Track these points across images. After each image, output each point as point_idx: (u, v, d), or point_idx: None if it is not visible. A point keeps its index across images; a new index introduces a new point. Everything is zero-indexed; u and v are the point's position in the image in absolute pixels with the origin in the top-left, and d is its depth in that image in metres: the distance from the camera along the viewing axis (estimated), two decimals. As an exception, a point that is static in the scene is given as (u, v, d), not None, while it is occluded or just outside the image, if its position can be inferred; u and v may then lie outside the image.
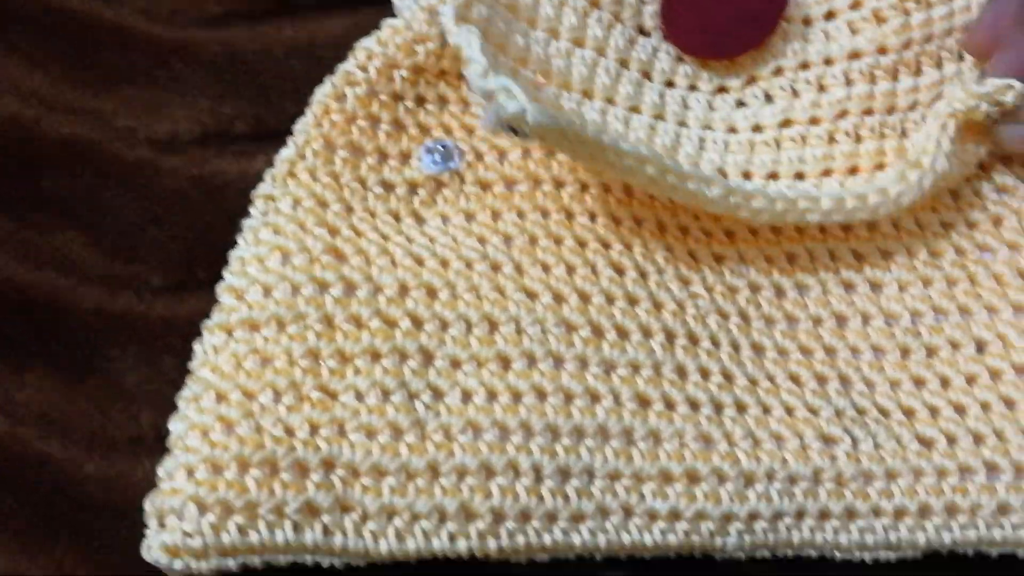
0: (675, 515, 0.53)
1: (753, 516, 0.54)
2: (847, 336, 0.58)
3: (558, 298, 0.56)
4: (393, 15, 0.60)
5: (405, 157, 0.59)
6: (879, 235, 0.60)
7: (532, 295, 0.56)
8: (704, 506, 0.53)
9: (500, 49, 0.56)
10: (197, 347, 0.54)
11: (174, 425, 0.52)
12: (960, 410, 0.56)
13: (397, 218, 0.58)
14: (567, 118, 0.54)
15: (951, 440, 0.55)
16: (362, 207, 0.58)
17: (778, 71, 0.61)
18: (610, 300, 0.56)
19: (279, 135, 0.59)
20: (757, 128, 0.61)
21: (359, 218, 0.57)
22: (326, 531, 0.51)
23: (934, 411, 0.56)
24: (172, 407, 0.53)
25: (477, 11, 0.55)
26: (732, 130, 0.61)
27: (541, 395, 0.54)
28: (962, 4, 0.60)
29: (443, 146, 0.59)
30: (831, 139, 0.60)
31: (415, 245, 0.57)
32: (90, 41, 0.67)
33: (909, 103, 0.60)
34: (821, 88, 0.61)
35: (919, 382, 0.57)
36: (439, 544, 0.52)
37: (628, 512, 0.53)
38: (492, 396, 0.54)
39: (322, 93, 0.59)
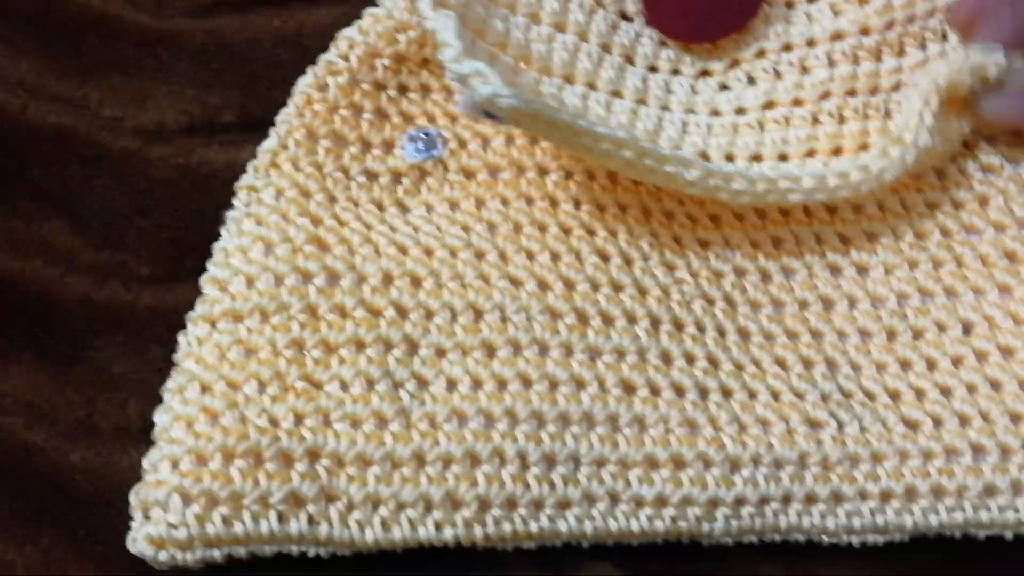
0: (661, 501, 0.53)
1: (740, 501, 0.54)
2: (834, 320, 0.58)
3: (543, 285, 0.56)
4: (375, 4, 0.60)
5: (388, 146, 0.59)
6: (865, 217, 0.60)
7: (517, 283, 0.56)
8: (690, 491, 0.53)
9: (478, 34, 0.56)
10: (181, 338, 0.54)
11: (159, 417, 0.52)
12: (946, 392, 0.56)
13: (381, 207, 0.58)
14: (542, 102, 0.54)
15: (937, 422, 0.55)
16: (345, 197, 0.58)
17: (761, 53, 0.61)
18: (595, 287, 0.56)
19: (266, 125, 0.59)
20: (740, 111, 0.61)
21: (342, 208, 0.57)
22: (311, 521, 0.51)
23: (920, 393, 0.56)
24: (159, 397, 0.53)
25: None
26: (715, 113, 0.61)
27: (526, 382, 0.54)
28: None
29: (426, 134, 0.59)
30: (814, 120, 0.60)
31: (399, 234, 0.57)
32: (76, 30, 0.67)
33: (892, 84, 0.60)
34: (804, 70, 0.60)
35: (905, 364, 0.57)
36: (425, 533, 0.52)
37: (614, 498, 0.53)
38: (477, 384, 0.54)
39: (304, 83, 0.59)
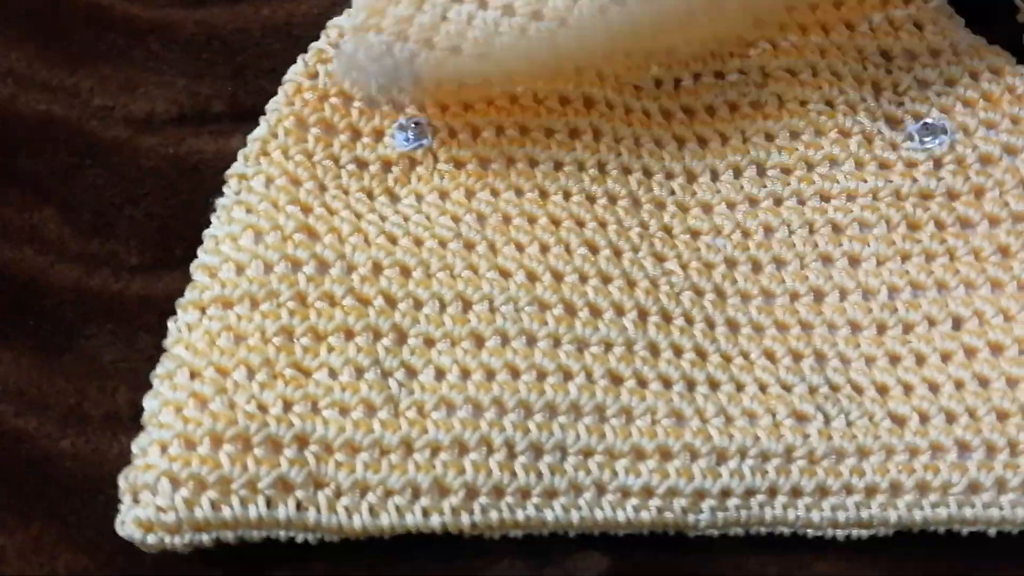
0: (648, 491, 0.54)
1: (725, 493, 0.54)
2: (824, 311, 0.58)
3: (531, 277, 0.56)
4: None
5: (378, 135, 0.59)
6: (858, 207, 0.59)
7: (505, 274, 0.56)
8: (676, 483, 0.53)
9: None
10: (171, 325, 0.54)
11: (148, 402, 0.52)
12: (934, 388, 0.56)
13: (370, 196, 0.58)
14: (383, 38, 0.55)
15: (923, 418, 0.55)
16: (335, 185, 0.58)
17: None
18: (583, 278, 0.56)
19: (256, 114, 0.59)
20: None
21: (332, 196, 0.57)
22: (299, 506, 0.51)
23: (908, 388, 0.56)
24: (148, 384, 0.53)
25: None
26: None
27: (514, 372, 0.54)
28: None
29: (416, 123, 0.59)
30: None
31: (388, 223, 0.57)
32: (66, 20, 0.67)
33: None
34: None
35: (894, 359, 0.57)
36: (412, 520, 0.52)
37: (601, 488, 0.53)
38: (465, 373, 0.54)
39: (294, 71, 0.59)
